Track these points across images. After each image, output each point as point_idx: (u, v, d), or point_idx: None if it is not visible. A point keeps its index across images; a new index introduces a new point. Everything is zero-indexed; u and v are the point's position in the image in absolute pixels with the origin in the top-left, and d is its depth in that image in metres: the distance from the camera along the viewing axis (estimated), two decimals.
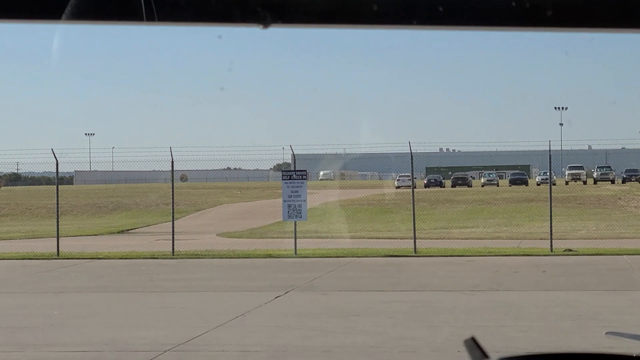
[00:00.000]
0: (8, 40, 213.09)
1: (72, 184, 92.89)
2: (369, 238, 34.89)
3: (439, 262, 25.56)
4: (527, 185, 78.48)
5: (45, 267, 25.74)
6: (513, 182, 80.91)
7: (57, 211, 30.55)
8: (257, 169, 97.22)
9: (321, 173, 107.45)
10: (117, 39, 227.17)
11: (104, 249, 30.46)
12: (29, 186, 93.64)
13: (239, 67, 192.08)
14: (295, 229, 28.49)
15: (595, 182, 77.89)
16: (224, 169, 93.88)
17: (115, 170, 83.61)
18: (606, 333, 3.94)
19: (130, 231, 43.77)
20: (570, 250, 27.56)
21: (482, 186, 78.50)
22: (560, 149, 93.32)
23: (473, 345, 1.97)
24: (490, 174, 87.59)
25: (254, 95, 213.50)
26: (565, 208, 47.83)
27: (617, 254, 26.50)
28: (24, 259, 28.34)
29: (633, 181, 75.98)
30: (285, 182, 28.31)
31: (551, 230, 28.27)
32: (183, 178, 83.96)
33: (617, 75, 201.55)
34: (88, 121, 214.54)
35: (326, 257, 27.35)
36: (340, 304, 17.34)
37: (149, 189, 66.82)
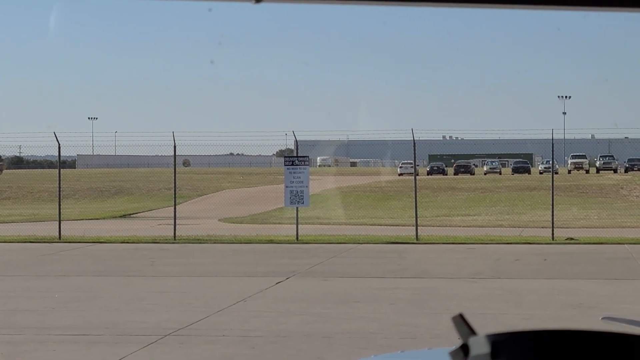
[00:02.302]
0: (9, 21, 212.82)
1: (75, 167, 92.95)
2: (370, 225, 34.88)
3: (441, 250, 25.56)
4: (529, 173, 78.55)
5: (47, 251, 25.77)
6: (516, 170, 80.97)
7: (59, 195, 30.57)
8: (260, 155, 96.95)
9: (319, 159, 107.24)
10: (117, 20, 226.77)
11: (106, 233, 30.47)
12: (31, 169, 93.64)
13: (242, 52, 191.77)
14: (297, 215, 28.49)
15: (597, 171, 77.87)
16: (227, 155, 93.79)
17: (118, 154, 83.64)
18: (602, 318, 3.95)
19: (132, 215, 43.78)
20: (571, 238, 27.55)
21: (485, 174, 78.47)
22: (563, 137, 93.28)
23: (461, 321, 1.97)
24: (493, 162, 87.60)
25: (254, 78, 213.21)
26: (568, 197, 47.81)
27: (619, 243, 26.51)
28: (25, 242, 28.36)
29: (635, 170, 75.92)
30: (288, 168, 28.30)
31: (553, 219, 28.26)
32: (186, 163, 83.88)
33: (623, 63, 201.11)
34: (91, 105, 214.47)
35: (328, 243, 27.36)
36: (342, 290, 17.36)
37: (152, 174, 66.81)
